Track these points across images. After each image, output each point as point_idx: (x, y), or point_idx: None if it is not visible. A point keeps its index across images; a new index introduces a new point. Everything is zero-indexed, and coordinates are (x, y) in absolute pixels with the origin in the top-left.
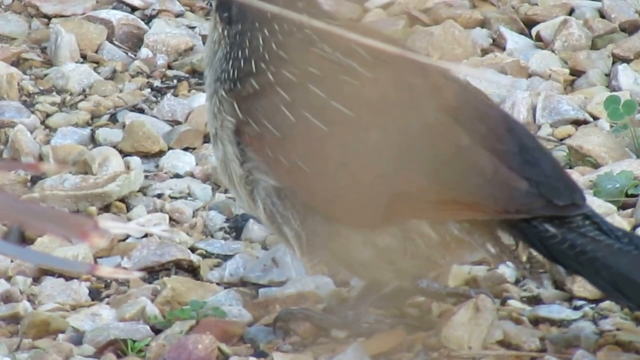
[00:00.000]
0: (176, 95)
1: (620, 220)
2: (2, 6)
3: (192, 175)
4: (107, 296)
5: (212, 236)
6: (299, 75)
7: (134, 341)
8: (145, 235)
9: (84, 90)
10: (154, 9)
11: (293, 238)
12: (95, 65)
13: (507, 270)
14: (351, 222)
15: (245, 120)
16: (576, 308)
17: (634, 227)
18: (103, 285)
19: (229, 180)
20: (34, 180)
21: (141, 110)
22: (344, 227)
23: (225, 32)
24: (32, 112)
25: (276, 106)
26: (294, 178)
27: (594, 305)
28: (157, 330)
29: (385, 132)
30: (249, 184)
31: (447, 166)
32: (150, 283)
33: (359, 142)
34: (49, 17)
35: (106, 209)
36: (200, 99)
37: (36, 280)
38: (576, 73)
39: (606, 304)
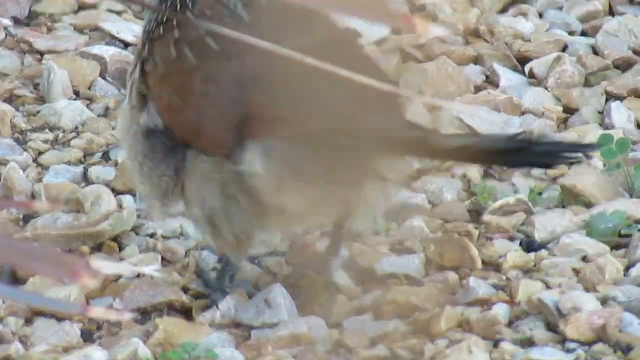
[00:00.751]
0: None
1: (613, 261)
2: None
3: (183, 214)
4: (99, 337)
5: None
6: (195, 15)
7: None
8: (138, 276)
9: (76, 128)
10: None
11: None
12: (88, 102)
13: (500, 312)
14: (210, 149)
15: (147, 57)
16: (569, 350)
17: (627, 267)
18: (95, 327)
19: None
20: (26, 218)
21: None
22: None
23: None
24: (25, 150)
25: (167, 43)
26: (169, 113)
27: (587, 347)
28: None
29: (242, 62)
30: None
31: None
32: (142, 324)
33: (220, 72)
34: (41, 53)
35: (98, 248)
36: None
37: (28, 321)
38: (569, 111)
39: (599, 346)
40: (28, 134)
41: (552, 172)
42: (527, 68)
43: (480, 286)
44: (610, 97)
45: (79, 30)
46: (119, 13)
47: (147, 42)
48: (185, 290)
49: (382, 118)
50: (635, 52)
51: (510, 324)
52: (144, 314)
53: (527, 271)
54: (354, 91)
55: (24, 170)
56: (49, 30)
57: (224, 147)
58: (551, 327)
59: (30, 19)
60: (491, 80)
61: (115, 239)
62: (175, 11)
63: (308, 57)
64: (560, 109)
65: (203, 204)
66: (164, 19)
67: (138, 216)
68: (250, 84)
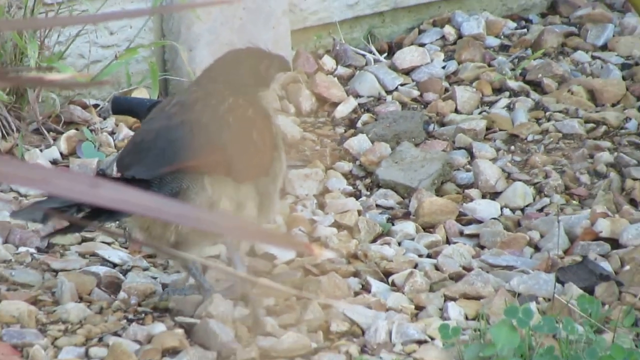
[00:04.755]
0: (143, 325)
1: None
2: (24, 264)
3: None
4: None
5: None
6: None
7: None
8: None
9: (80, 321)
10: (128, 265)
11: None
12: (88, 303)
13: None
14: None
15: None
16: None
17: None
18: None
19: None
20: None
21: (119, 335)
22: None
23: None
24: (45, 336)
25: None
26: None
27: None
28: None
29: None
30: None
31: None
32: None
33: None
34: (56, 271)
35: None
36: (160, 328)
37: None
38: (419, 308)
39: None
40: (47, 325)
41: (407, 349)
42: (390, 279)
43: None
44: (447, 299)
45: (82, 255)
46: (109, 244)
47: None
48: None
49: None
50: (464, 268)
51: None
52: None
53: None
54: None
55: (44, 350)
56: (61, 255)
57: None
58: None
59: (48, 248)
60: (366, 288)
61: None
62: None
63: None
64: (413, 307)
65: None
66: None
67: None
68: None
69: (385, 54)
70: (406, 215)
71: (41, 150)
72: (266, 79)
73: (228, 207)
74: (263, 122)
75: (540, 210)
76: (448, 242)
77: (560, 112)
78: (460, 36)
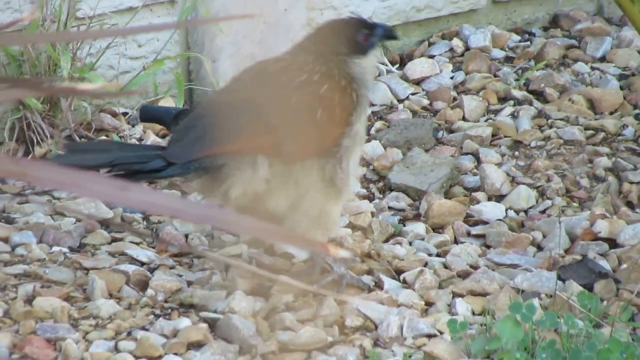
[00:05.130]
0: (169, 320)
1: None
2: (57, 262)
3: None
4: None
5: None
6: None
7: None
8: None
9: (110, 317)
10: (155, 264)
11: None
12: (118, 300)
13: None
14: None
15: None
16: None
17: None
18: None
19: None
20: None
21: (147, 330)
22: None
23: None
24: (77, 331)
25: None
26: None
27: None
28: None
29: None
30: None
31: None
32: None
33: None
34: (87, 269)
35: None
36: (185, 323)
37: None
38: (429, 304)
39: None
40: (79, 321)
41: (417, 342)
42: (401, 277)
43: None
44: (455, 295)
45: (112, 254)
46: (137, 244)
47: None
48: None
49: None
50: (471, 266)
51: None
52: None
53: None
54: None
55: (76, 343)
56: (92, 254)
57: None
58: None
59: (80, 248)
60: (378, 285)
61: None
62: None
63: None
64: (423, 302)
65: None
66: None
67: None
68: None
69: (397, 65)
70: (417, 217)
71: None
72: (364, 46)
73: (284, 189)
74: (337, 98)
75: (543, 212)
76: (456, 242)
77: (561, 119)
78: (467, 48)
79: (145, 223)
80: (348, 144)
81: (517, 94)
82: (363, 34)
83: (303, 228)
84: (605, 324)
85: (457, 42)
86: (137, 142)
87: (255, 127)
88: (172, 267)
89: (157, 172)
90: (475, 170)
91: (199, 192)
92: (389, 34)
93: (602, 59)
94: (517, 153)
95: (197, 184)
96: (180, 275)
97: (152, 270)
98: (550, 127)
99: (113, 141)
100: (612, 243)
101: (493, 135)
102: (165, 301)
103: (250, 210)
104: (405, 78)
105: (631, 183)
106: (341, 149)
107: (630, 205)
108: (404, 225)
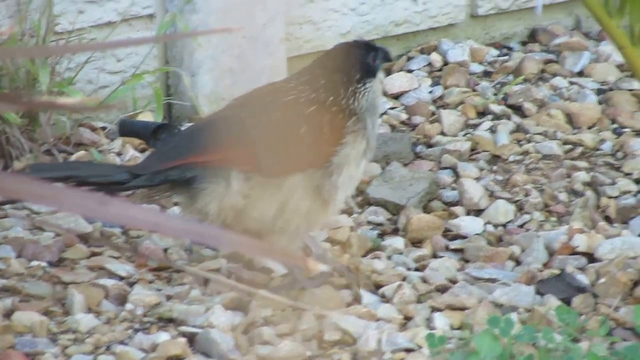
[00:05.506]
0: (148, 334)
1: None
2: (36, 277)
3: None
4: None
5: None
6: None
7: None
8: None
9: (89, 331)
10: (134, 278)
11: None
12: (97, 314)
13: None
14: None
15: None
16: None
17: None
18: None
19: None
20: None
21: (126, 344)
22: None
23: None
24: (56, 345)
25: None
26: None
27: None
28: None
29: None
30: None
31: None
32: None
33: None
34: (66, 284)
35: None
36: (164, 337)
37: None
38: (407, 318)
39: None
40: (58, 335)
41: (396, 357)
42: (380, 291)
43: None
44: (433, 309)
45: (91, 269)
46: (116, 258)
47: None
48: None
49: None
50: (450, 280)
51: None
52: None
53: None
54: None
55: (55, 358)
56: (72, 269)
57: None
58: None
59: (59, 262)
60: (357, 300)
61: None
62: None
63: None
64: (401, 317)
65: None
66: None
67: None
68: None
69: None
70: (395, 231)
71: None
72: (373, 69)
73: (266, 201)
74: (327, 118)
75: (521, 226)
76: (435, 256)
77: (539, 134)
78: (446, 63)
79: (124, 237)
80: (339, 161)
81: (496, 108)
82: (372, 57)
83: (284, 239)
84: (583, 338)
85: (435, 57)
86: (116, 156)
87: (229, 140)
88: (151, 282)
89: (121, 185)
90: (453, 185)
91: (179, 207)
92: (388, 56)
93: (581, 74)
94: (495, 167)
95: (177, 199)
96: (159, 290)
97: (131, 285)
98: (529, 141)
99: (81, 161)
100: (590, 257)
101: (471, 150)
102: (144, 315)
103: (231, 225)
104: (384, 92)
105: (609, 197)
106: (332, 165)
107: (608, 219)
108: (383, 240)
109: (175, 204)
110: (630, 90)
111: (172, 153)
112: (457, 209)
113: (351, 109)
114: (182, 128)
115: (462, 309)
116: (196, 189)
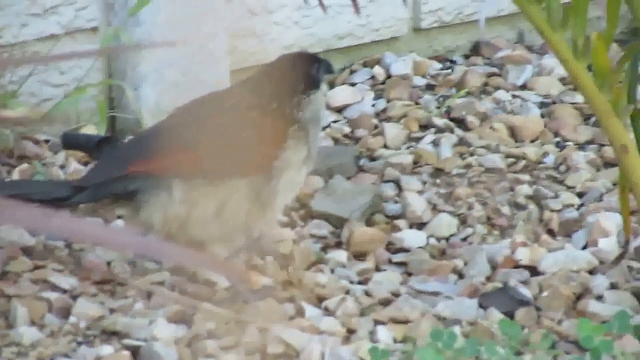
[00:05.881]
0: (91, 347)
1: None
2: None
3: None
4: None
5: None
6: None
7: None
8: None
9: (32, 344)
10: (78, 291)
11: None
12: (40, 327)
13: None
14: None
15: None
16: None
17: None
18: None
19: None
20: None
21: (69, 357)
22: None
23: None
24: None
25: None
26: None
27: None
28: None
29: None
30: None
31: None
32: None
33: None
34: (10, 297)
35: None
36: (107, 350)
37: None
38: (351, 331)
39: None
40: (1, 348)
41: None
42: (323, 305)
43: None
44: (377, 323)
45: (34, 282)
46: (60, 271)
47: None
48: None
49: None
50: (393, 294)
51: None
52: None
53: None
54: None
55: None
56: (15, 282)
57: None
58: None
59: (2, 275)
60: (300, 313)
61: None
62: None
63: None
64: (345, 330)
65: None
66: None
67: None
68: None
69: None
70: (338, 244)
71: None
72: (317, 80)
73: (208, 207)
74: (269, 121)
75: (464, 239)
76: (378, 269)
77: (482, 147)
78: (389, 76)
79: (67, 250)
80: (280, 166)
81: (439, 121)
82: (315, 68)
83: (225, 245)
84: (526, 351)
85: (378, 70)
86: (59, 169)
87: (172, 147)
88: (94, 295)
89: (63, 200)
90: (396, 198)
91: (122, 220)
92: (331, 68)
93: (523, 87)
94: (438, 181)
95: (121, 212)
96: (103, 303)
97: (74, 298)
98: (472, 154)
99: (21, 180)
100: (533, 271)
101: (414, 163)
102: (88, 328)
103: (176, 235)
104: (327, 106)
105: (552, 211)
106: (273, 169)
107: (551, 233)
108: (326, 253)
109: (119, 217)
110: (573, 103)
111: (114, 165)
112: (400, 222)
113: (294, 117)
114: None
115: (405, 322)
116: (140, 200)
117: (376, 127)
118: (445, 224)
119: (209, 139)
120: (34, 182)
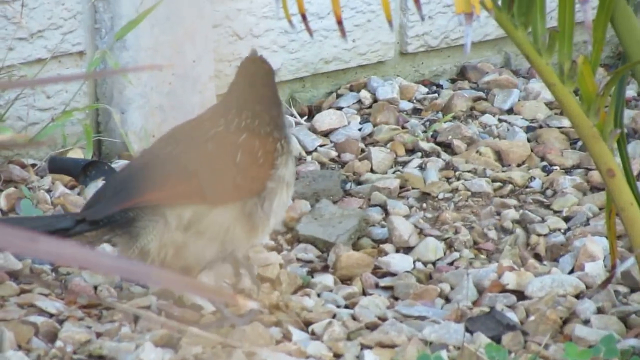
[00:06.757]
0: None
1: None
2: None
3: None
4: None
5: None
6: None
7: None
8: None
9: None
10: (64, 315)
11: None
12: (27, 351)
13: None
14: None
15: None
16: None
17: None
18: None
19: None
20: None
21: None
22: None
23: None
24: None
25: None
26: None
27: None
28: None
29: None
30: None
31: None
32: None
33: None
34: None
35: None
36: None
37: None
38: (337, 356)
39: None
40: None
41: None
42: (310, 329)
43: None
44: (363, 347)
45: (21, 306)
46: (46, 295)
47: None
48: None
49: None
50: (380, 318)
51: None
52: None
53: None
54: None
55: None
56: (1, 306)
57: None
58: None
59: None
60: (287, 337)
61: None
62: None
63: None
64: (331, 354)
65: None
66: None
67: None
68: None
69: (306, 117)
70: (325, 269)
71: None
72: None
73: (214, 232)
74: (257, 143)
75: (451, 263)
76: (364, 293)
77: (469, 171)
78: (375, 100)
79: (54, 274)
80: (273, 185)
81: (425, 145)
82: (273, 75)
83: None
84: None
85: (365, 94)
86: (46, 193)
87: (170, 178)
88: (81, 319)
89: (66, 231)
90: (383, 222)
91: (114, 247)
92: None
93: (510, 111)
94: (425, 205)
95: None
96: (89, 327)
97: (61, 322)
98: (458, 179)
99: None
100: (520, 295)
101: (401, 187)
102: (74, 352)
103: (171, 262)
104: (313, 130)
105: (539, 235)
106: (266, 190)
107: (537, 257)
108: (312, 277)
109: (107, 241)
110: (560, 127)
111: (116, 198)
112: (387, 247)
113: (278, 133)
114: (112, 165)
115: (392, 346)
116: (137, 227)
117: (362, 151)
118: (432, 248)
119: (205, 166)
120: (36, 218)
